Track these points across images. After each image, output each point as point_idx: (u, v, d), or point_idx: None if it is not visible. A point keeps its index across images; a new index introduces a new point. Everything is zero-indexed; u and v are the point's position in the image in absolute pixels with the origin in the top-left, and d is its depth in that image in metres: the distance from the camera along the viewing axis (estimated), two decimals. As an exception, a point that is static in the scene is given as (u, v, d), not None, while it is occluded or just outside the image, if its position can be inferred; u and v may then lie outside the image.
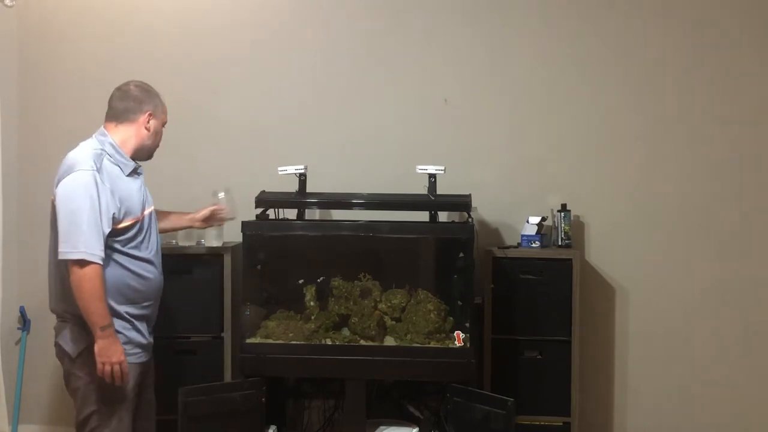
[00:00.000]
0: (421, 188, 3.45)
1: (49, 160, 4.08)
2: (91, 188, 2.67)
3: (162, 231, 3.14)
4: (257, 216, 3.43)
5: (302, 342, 3.29)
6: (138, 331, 2.85)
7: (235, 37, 3.99)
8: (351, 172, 3.87)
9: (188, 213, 3.29)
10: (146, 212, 2.90)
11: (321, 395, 3.58)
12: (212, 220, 3.31)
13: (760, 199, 3.77)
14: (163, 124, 2.98)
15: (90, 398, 2.76)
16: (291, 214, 3.63)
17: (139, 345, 2.85)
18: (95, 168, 2.71)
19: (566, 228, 3.66)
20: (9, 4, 3.98)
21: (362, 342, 3.30)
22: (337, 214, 3.75)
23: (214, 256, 3.58)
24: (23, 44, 4.06)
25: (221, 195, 3.37)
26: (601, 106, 3.83)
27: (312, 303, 3.37)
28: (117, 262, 2.76)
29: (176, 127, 3.86)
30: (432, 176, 3.43)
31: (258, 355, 3.26)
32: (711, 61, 3.77)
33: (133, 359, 2.81)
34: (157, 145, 2.98)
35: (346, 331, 3.35)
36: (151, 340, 2.95)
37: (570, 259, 3.51)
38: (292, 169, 3.48)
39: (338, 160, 3.90)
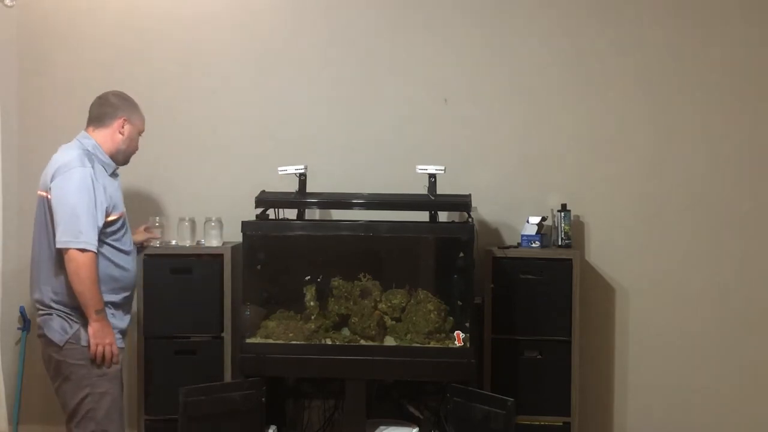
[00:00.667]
0: (421, 188, 3.45)
1: (49, 161, 4.10)
2: (88, 183, 2.87)
3: None
4: (257, 216, 3.43)
5: (302, 342, 3.29)
6: (117, 318, 3.03)
7: (235, 37, 3.99)
8: (351, 172, 3.87)
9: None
10: (124, 209, 3.11)
11: (321, 395, 3.58)
12: (143, 241, 3.46)
13: (760, 200, 3.76)
14: (140, 133, 3.15)
15: (81, 382, 2.92)
16: (291, 214, 3.63)
17: (120, 331, 3.03)
18: (90, 166, 2.91)
19: (566, 228, 3.66)
20: (9, 4, 3.98)
21: (362, 342, 3.30)
22: (337, 214, 3.75)
23: (214, 256, 3.58)
24: (23, 44, 4.06)
25: (157, 222, 3.58)
26: (601, 107, 3.83)
27: (312, 303, 3.37)
28: (102, 255, 2.94)
29: (176, 128, 3.89)
30: (432, 176, 3.43)
31: (258, 355, 3.26)
32: (713, 61, 3.76)
33: (118, 343, 2.99)
34: (133, 152, 3.16)
35: (346, 331, 3.35)
36: (126, 330, 3.13)
37: (570, 259, 3.51)
38: (292, 169, 3.48)
39: (338, 160, 3.90)
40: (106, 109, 3.07)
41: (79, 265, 2.83)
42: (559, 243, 3.66)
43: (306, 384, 3.58)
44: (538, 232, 3.64)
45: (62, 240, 2.84)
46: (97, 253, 2.89)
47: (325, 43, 3.95)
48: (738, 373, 3.78)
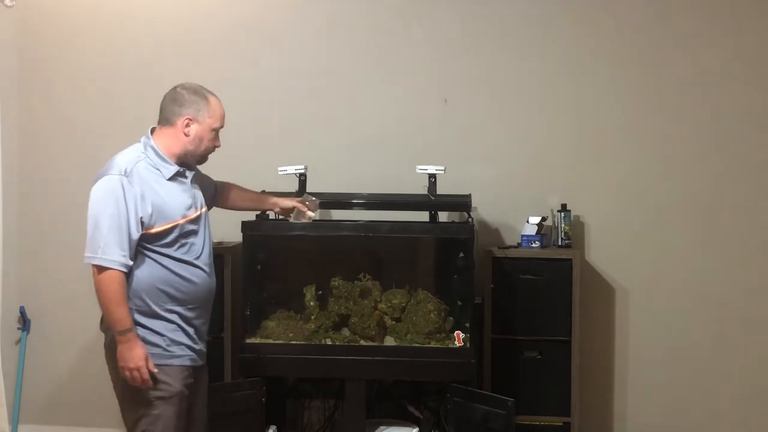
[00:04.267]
0: (421, 188, 3.45)
1: (49, 160, 4.11)
2: (117, 192, 2.63)
3: (238, 209, 3.23)
4: (257, 216, 3.43)
5: (302, 342, 3.29)
6: (185, 332, 2.78)
7: (235, 37, 3.99)
8: (351, 172, 3.88)
9: (271, 196, 3.26)
10: (192, 215, 2.80)
11: (321, 395, 3.58)
12: (292, 212, 3.22)
13: (760, 199, 3.76)
14: (213, 130, 2.83)
15: (136, 401, 2.72)
16: (291, 214, 3.63)
17: (187, 347, 2.77)
18: (124, 173, 2.66)
19: (566, 228, 3.66)
20: (9, 4, 3.98)
21: (362, 342, 3.30)
22: (338, 214, 3.75)
23: (215, 256, 3.56)
24: (23, 44, 4.06)
25: (313, 198, 3.25)
26: (601, 106, 3.83)
27: (312, 303, 3.37)
28: (158, 263, 2.72)
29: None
30: (432, 176, 3.44)
31: (258, 355, 3.26)
32: (713, 61, 3.76)
33: (178, 361, 2.74)
34: (208, 150, 2.86)
35: (346, 331, 3.35)
36: (203, 347, 2.88)
37: (570, 259, 3.51)
38: (292, 169, 3.48)
39: (338, 160, 3.90)
40: (172, 106, 2.77)
41: (98, 283, 2.61)
42: (559, 243, 3.66)
43: (306, 384, 3.58)
44: (538, 232, 3.64)
45: (86, 255, 2.62)
46: (138, 266, 2.66)
47: (326, 43, 3.96)
48: (738, 373, 3.78)
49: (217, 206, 3.10)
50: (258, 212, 3.41)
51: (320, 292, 3.39)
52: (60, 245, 4.07)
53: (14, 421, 4.00)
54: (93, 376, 4.05)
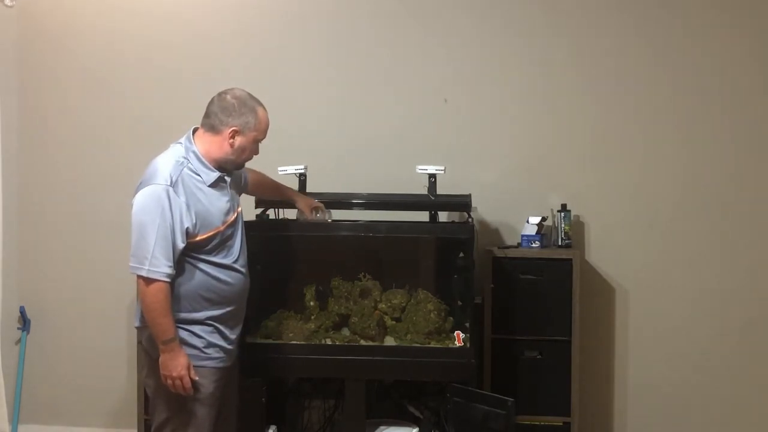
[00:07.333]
0: (421, 188, 3.45)
1: (49, 160, 4.11)
2: (163, 203, 2.62)
3: (262, 197, 3.38)
4: (257, 216, 3.43)
5: (302, 342, 3.29)
6: (222, 334, 2.79)
7: (234, 37, 3.99)
8: (351, 172, 3.88)
9: (294, 192, 3.39)
10: (230, 220, 2.82)
11: (321, 395, 3.58)
12: (310, 211, 3.36)
13: (759, 199, 3.76)
14: (256, 141, 2.84)
15: (167, 402, 2.73)
16: (291, 214, 3.62)
17: (222, 349, 2.79)
18: (170, 182, 2.65)
19: (566, 228, 3.66)
20: (9, 4, 3.98)
21: (362, 342, 3.30)
22: (337, 214, 3.75)
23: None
24: (23, 44, 4.06)
25: (326, 211, 3.39)
26: (601, 106, 3.83)
27: (312, 303, 3.37)
28: (200, 270, 2.73)
29: (176, 129, 3.88)
30: (432, 176, 3.43)
31: (258, 355, 3.25)
32: (712, 61, 3.77)
33: (212, 363, 2.76)
34: (247, 159, 2.89)
35: (346, 331, 3.35)
36: (235, 347, 2.88)
37: (570, 259, 3.51)
38: (292, 169, 3.48)
39: (338, 160, 3.90)
40: (220, 115, 2.75)
41: (144, 293, 2.62)
42: (559, 243, 3.66)
43: (306, 384, 3.57)
44: (538, 232, 3.64)
45: (131, 264, 2.62)
46: (181, 275, 2.67)
47: (326, 43, 3.96)
48: (738, 373, 3.78)
49: (244, 193, 3.11)
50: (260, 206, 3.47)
51: (321, 288, 3.38)
52: (60, 245, 4.08)
53: (14, 421, 4.01)
54: (93, 376, 4.07)
